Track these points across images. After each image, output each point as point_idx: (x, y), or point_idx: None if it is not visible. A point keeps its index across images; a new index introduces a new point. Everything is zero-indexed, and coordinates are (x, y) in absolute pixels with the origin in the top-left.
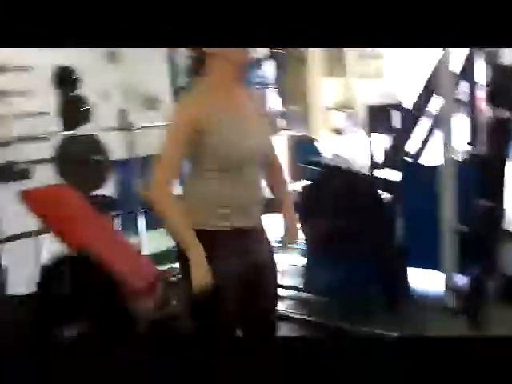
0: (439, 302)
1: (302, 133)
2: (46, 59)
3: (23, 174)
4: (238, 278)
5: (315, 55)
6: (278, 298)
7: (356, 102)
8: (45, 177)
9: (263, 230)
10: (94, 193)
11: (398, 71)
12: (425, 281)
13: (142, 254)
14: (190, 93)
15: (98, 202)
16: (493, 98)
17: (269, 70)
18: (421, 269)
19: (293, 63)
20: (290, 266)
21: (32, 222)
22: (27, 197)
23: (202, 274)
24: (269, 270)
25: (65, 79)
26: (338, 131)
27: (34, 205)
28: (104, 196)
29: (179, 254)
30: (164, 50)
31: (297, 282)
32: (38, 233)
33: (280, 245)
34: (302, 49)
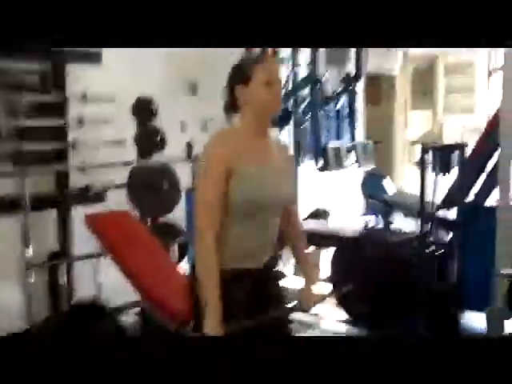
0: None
1: (372, 167)
2: (126, 89)
3: (99, 198)
4: (247, 314)
5: (403, 87)
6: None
7: (442, 137)
8: (118, 201)
9: (273, 269)
10: (162, 219)
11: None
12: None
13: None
14: (221, 133)
15: (163, 229)
16: None
17: (344, 102)
18: (474, 311)
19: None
20: None
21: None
22: (89, 220)
23: (215, 330)
24: (277, 305)
25: (143, 109)
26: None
27: (94, 228)
28: (168, 224)
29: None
30: None
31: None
32: (99, 255)
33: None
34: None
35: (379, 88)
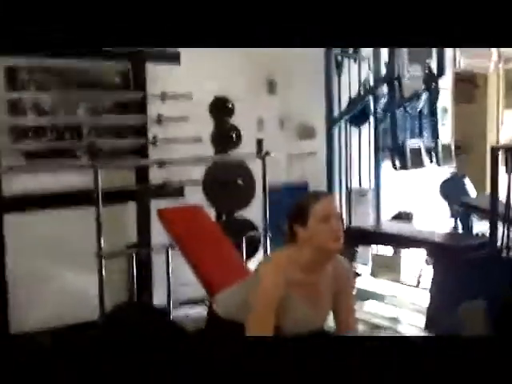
0: None
1: (453, 169)
2: (204, 88)
3: (178, 192)
4: None
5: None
6: None
7: None
8: (196, 197)
9: None
10: (236, 215)
11: None
12: None
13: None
14: (279, 259)
15: (238, 224)
16: None
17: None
18: None
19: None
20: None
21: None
22: (160, 214)
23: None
24: None
25: (220, 108)
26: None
27: (164, 221)
28: (242, 219)
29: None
30: (321, 80)
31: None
32: (169, 248)
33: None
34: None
35: (471, 87)
